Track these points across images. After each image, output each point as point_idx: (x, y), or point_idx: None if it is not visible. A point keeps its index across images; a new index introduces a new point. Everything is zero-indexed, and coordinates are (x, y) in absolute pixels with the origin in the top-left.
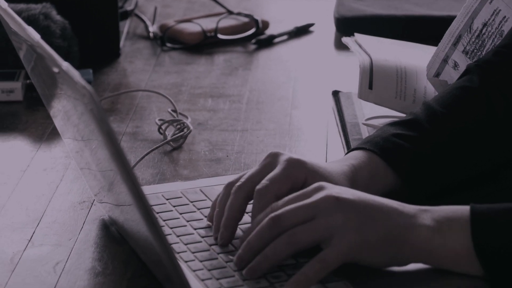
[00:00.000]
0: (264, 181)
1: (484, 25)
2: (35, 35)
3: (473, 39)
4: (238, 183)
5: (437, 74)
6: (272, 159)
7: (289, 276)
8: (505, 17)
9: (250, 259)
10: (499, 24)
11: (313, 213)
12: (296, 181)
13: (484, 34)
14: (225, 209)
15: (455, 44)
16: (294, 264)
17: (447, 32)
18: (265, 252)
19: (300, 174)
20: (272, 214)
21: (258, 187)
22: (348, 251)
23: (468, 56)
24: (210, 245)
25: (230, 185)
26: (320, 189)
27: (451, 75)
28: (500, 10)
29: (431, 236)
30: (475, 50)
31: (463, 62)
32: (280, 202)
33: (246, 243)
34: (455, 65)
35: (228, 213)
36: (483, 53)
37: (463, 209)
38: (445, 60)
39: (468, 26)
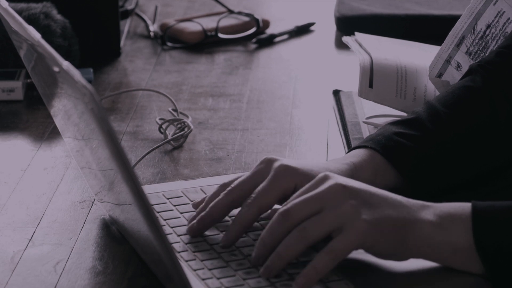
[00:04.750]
0: (251, 196)
1: (488, 26)
2: (36, 34)
3: (476, 40)
4: (229, 188)
5: (440, 75)
6: (264, 166)
7: (289, 275)
8: (509, 18)
9: (266, 256)
10: (503, 26)
11: (321, 204)
12: (284, 191)
13: (487, 35)
14: (208, 206)
15: (458, 45)
16: (295, 263)
17: (451, 32)
18: (278, 251)
19: (288, 184)
20: (281, 209)
21: (245, 202)
22: (356, 239)
23: (471, 57)
24: (211, 244)
25: (223, 186)
26: (326, 178)
27: (454, 76)
28: (504, 11)
29: (432, 231)
30: (478, 51)
31: (466, 63)
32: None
33: (260, 240)
34: (458, 66)
35: (208, 211)
36: (487, 54)
37: (465, 206)
38: (448, 61)
39: (472, 27)
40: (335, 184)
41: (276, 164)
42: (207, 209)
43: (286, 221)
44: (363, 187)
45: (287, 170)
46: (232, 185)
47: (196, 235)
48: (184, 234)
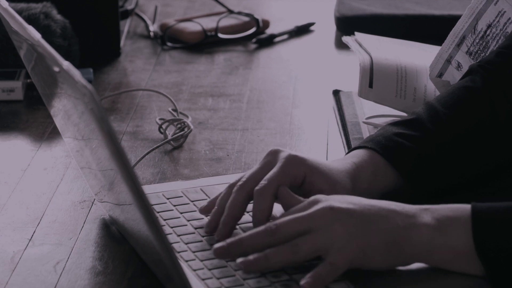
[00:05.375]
0: (262, 182)
1: (489, 26)
2: (36, 34)
3: (477, 40)
4: (240, 183)
5: (440, 75)
6: (272, 157)
7: (290, 276)
8: (510, 18)
9: (235, 255)
10: (503, 26)
11: (309, 225)
12: (294, 179)
13: (488, 35)
14: (226, 207)
15: (459, 44)
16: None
17: (451, 32)
18: (267, 254)
19: (299, 172)
20: (269, 223)
21: (256, 188)
22: (353, 258)
23: (471, 57)
24: (211, 244)
25: (232, 186)
26: (315, 202)
27: (454, 76)
28: (505, 11)
29: (431, 235)
30: (479, 51)
31: (467, 63)
32: (278, 216)
33: (238, 239)
34: (458, 66)
35: (228, 211)
36: (487, 54)
37: (464, 208)
38: (448, 61)
39: (473, 27)
40: (322, 208)
41: (284, 154)
42: (226, 211)
43: (272, 235)
44: (352, 205)
45: (296, 159)
46: (243, 179)
47: (224, 239)
48: (184, 234)
